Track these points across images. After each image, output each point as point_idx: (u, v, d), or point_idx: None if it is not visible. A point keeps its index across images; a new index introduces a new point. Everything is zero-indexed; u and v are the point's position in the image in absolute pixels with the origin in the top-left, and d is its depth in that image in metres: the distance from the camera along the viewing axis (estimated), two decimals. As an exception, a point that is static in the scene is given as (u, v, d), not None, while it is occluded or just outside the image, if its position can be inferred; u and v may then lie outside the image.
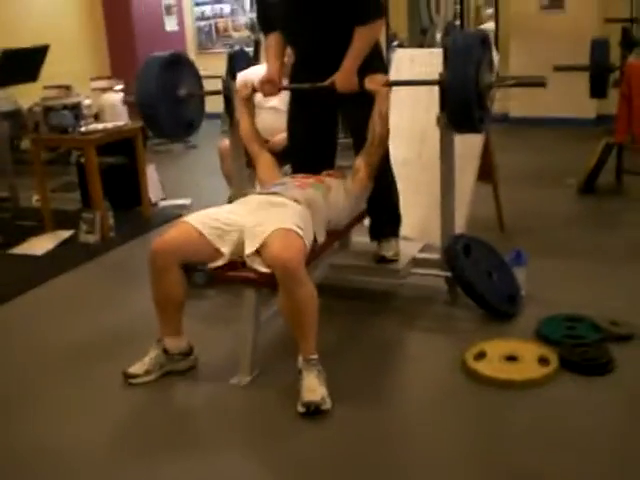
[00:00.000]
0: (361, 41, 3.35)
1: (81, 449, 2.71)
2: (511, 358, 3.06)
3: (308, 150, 3.71)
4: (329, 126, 3.77)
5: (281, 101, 4.46)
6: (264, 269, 2.87)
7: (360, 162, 3.46)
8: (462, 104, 3.15)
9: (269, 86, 3.62)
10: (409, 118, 3.75)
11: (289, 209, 3.07)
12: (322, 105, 3.60)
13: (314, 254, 3.09)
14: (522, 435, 2.65)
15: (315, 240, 3.08)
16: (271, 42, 3.64)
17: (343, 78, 3.40)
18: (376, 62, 3.51)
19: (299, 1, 3.38)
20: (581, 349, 3.09)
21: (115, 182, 5.55)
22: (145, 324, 3.49)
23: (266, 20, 3.65)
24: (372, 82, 3.39)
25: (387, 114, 3.40)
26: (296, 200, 3.14)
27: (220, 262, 3.03)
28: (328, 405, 2.77)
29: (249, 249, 2.93)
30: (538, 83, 3.27)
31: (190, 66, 3.80)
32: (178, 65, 3.69)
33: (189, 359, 3.21)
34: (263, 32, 3.63)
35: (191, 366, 3.21)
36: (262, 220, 3.00)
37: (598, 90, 5.72)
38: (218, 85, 3.81)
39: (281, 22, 3.56)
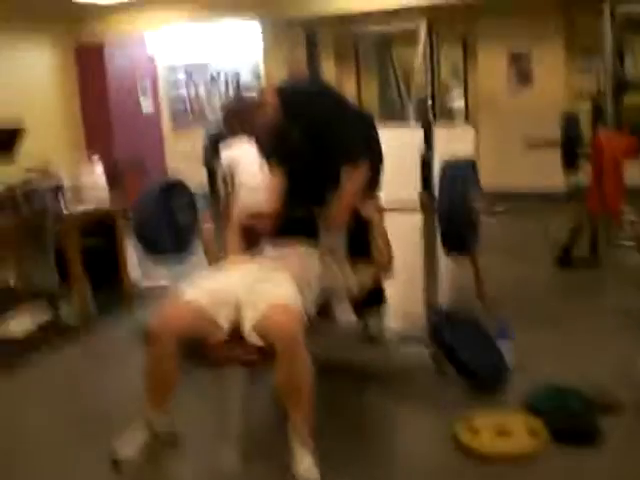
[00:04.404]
0: (348, 184, 3.41)
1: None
2: (502, 431, 3.07)
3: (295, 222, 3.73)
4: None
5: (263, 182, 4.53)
6: (260, 343, 2.90)
7: (368, 272, 3.52)
8: (454, 230, 3.38)
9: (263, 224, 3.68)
10: (388, 192, 3.82)
11: (284, 283, 3.10)
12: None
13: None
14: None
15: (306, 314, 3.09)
16: (274, 183, 3.70)
17: (334, 222, 3.49)
18: (372, 178, 3.57)
19: (291, 148, 3.50)
20: (570, 420, 3.11)
21: (94, 262, 5.53)
22: (130, 403, 3.46)
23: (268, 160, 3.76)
24: (365, 210, 3.49)
25: (387, 237, 3.51)
26: (291, 271, 3.17)
27: (220, 336, 3.02)
28: (322, 485, 2.75)
29: (248, 324, 2.95)
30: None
31: (186, 190, 3.87)
32: (174, 190, 3.76)
33: (173, 435, 3.18)
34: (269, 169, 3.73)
35: (175, 443, 3.18)
36: (258, 295, 3.03)
37: (570, 162, 5.87)
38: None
39: (277, 159, 3.66)
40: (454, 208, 3.26)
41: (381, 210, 3.53)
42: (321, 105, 3.42)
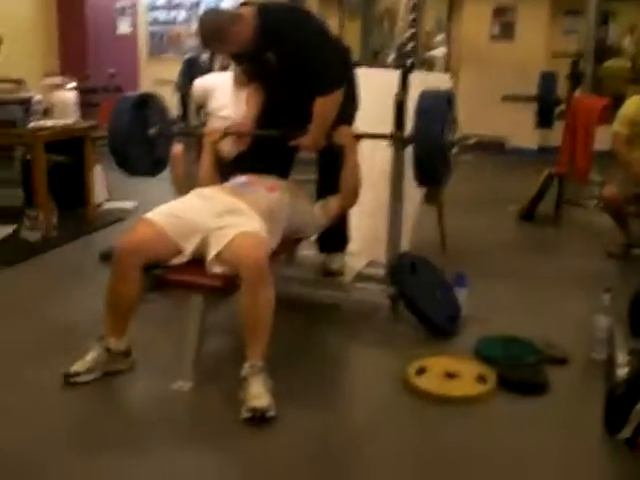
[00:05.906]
0: (321, 111, 3.41)
1: (19, 450, 2.64)
2: (450, 375, 3.13)
3: (267, 155, 3.72)
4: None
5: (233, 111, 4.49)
6: (224, 271, 2.92)
7: (334, 202, 3.60)
8: (429, 161, 3.35)
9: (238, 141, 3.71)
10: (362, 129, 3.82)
11: (252, 214, 3.12)
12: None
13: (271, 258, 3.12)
14: (458, 450, 2.69)
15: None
16: (251, 91, 3.69)
17: (308, 142, 3.49)
18: (345, 111, 3.55)
19: (267, 70, 3.47)
20: (518, 369, 3.18)
21: (60, 181, 5.48)
22: (85, 323, 3.48)
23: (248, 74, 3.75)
24: (339, 136, 3.49)
25: (357, 165, 3.53)
26: (259, 207, 3.17)
27: (182, 260, 3.05)
28: (273, 413, 2.77)
29: (212, 253, 2.96)
30: (498, 144, 3.53)
31: (160, 105, 3.80)
32: (148, 104, 3.69)
33: (129, 360, 3.19)
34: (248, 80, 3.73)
35: (130, 367, 3.19)
36: (226, 225, 3.03)
37: (544, 121, 5.89)
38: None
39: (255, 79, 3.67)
40: (430, 136, 3.26)
41: (355, 137, 3.53)
42: (300, 28, 3.38)
